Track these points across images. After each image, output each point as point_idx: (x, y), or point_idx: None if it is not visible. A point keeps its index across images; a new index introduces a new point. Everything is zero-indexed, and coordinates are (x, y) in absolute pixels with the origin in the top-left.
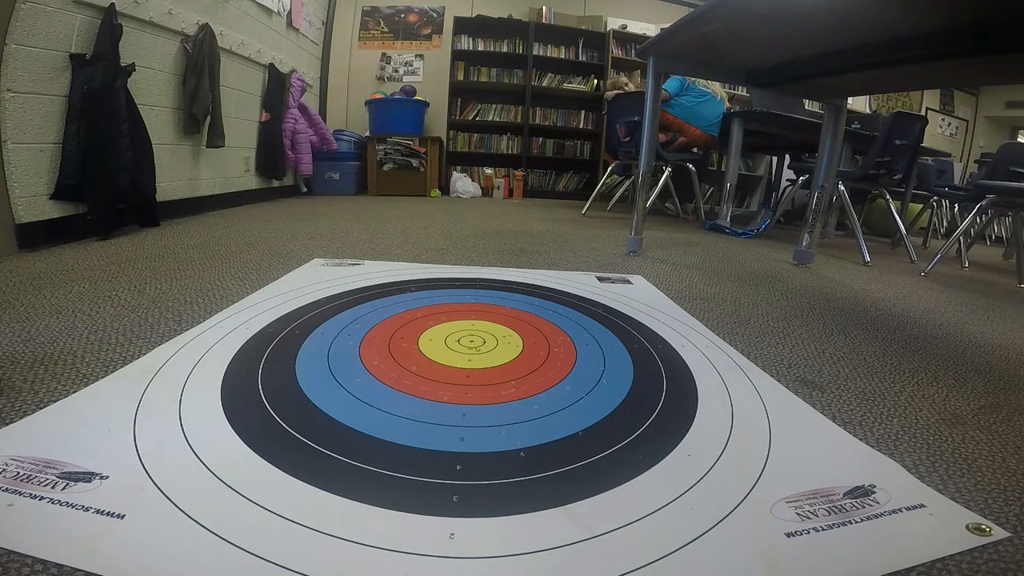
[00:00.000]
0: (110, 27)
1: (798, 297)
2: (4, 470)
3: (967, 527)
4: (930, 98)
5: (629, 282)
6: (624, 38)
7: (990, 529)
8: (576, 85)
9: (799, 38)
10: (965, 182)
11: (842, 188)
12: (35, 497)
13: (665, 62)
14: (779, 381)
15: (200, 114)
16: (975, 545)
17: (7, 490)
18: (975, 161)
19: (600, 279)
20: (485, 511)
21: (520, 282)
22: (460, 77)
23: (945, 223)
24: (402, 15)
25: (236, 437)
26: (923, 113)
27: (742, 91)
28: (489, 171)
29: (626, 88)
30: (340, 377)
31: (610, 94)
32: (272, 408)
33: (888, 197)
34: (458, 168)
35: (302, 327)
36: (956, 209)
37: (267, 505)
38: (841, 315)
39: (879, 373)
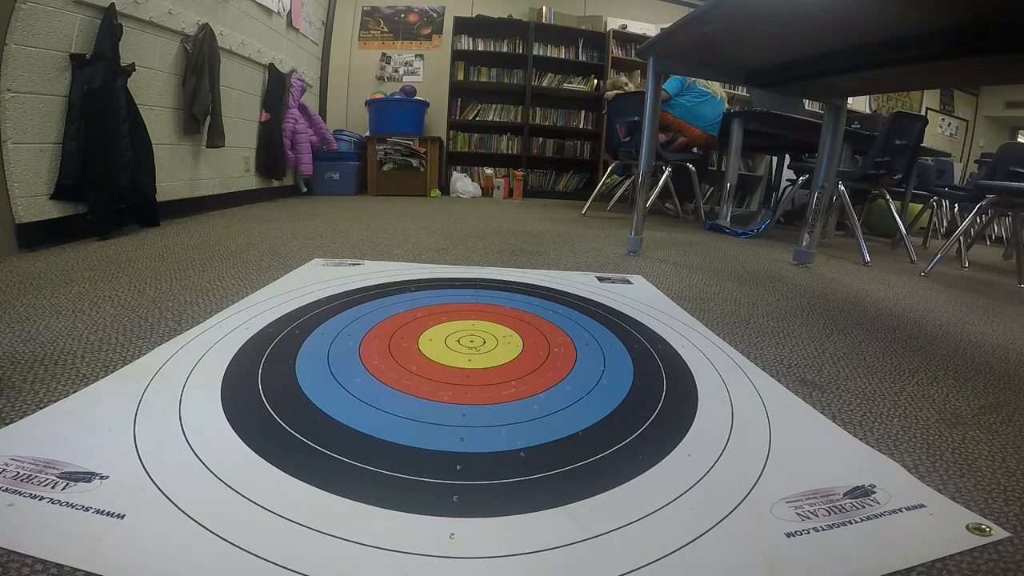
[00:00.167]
0: (110, 27)
1: (798, 297)
2: (4, 470)
3: (967, 527)
4: (930, 98)
5: (629, 282)
6: (624, 38)
7: (990, 529)
8: (576, 85)
9: (799, 38)
10: (965, 182)
11: (842, 188)
12: (35, 497)
13: (665, 62)
14: (779, 381)
15: (200, 114)
16: (975, 545)
17: (7, 490)
18: (975, 161)
19: (600, 279)
20: (485, 511)
21: (520, 282)
22: (460, 77)
23: (945, 223)
24: (402, 15)
25: (236, 437)
26: (923, 113)
27: (742, 91)
28: (489, 171)
29: (626, 88)
30: (340, 377)
31: (610, 94)
32: (272, 408)
33: (888, 197)
34: (458, 168)
35: (302, 327)
36: (956, 209)
37: (267, 505)
38: (841, 315)
39: (879, 373)
